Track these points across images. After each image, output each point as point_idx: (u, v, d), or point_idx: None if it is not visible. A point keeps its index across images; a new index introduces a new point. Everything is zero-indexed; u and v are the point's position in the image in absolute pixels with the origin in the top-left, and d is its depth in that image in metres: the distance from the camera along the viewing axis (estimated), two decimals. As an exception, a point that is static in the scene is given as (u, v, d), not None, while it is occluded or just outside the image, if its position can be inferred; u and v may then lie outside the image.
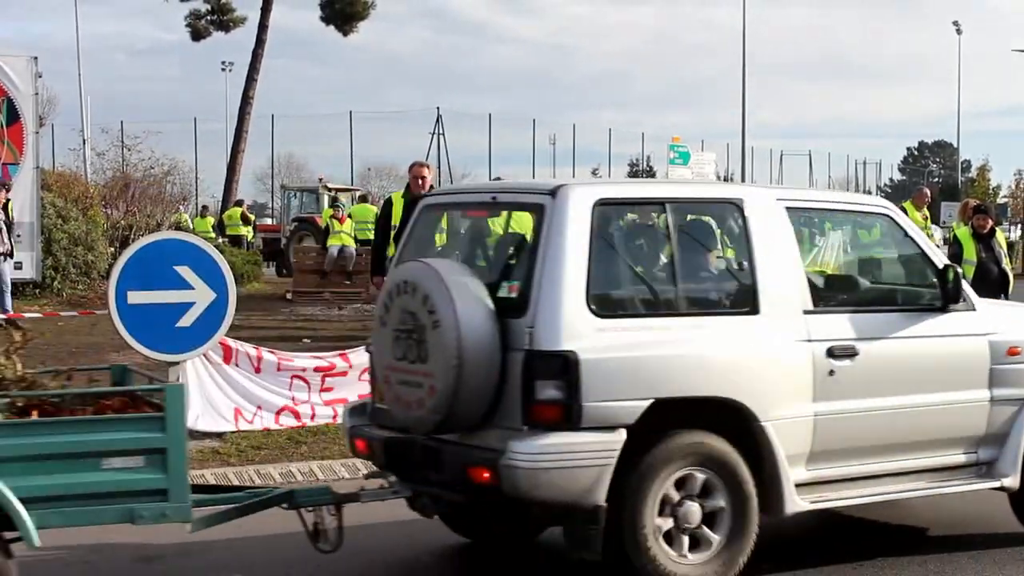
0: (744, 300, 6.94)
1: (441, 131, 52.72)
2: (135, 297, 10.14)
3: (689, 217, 7.24)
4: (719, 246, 7.36)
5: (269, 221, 48.02)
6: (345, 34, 48.58)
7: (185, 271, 10.23)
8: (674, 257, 6.83)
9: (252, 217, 39.96)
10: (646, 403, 6.44)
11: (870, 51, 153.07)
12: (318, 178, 41.04)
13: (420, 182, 12.90)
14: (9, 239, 19.11)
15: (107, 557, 7.66)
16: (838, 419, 7.06)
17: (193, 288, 10.24)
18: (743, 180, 54.94)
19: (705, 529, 6.73)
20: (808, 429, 6.97)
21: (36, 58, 21.58)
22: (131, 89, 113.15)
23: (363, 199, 33.86)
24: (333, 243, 26.16)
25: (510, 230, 7.55)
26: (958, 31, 71.38)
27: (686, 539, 6.69)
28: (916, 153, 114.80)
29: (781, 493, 6.84)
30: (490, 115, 58.16)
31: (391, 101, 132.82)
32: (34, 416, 6.10)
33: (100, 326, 17.75)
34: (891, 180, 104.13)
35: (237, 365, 10.79)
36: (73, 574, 7.42)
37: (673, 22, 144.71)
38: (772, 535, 8.16)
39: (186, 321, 10.22)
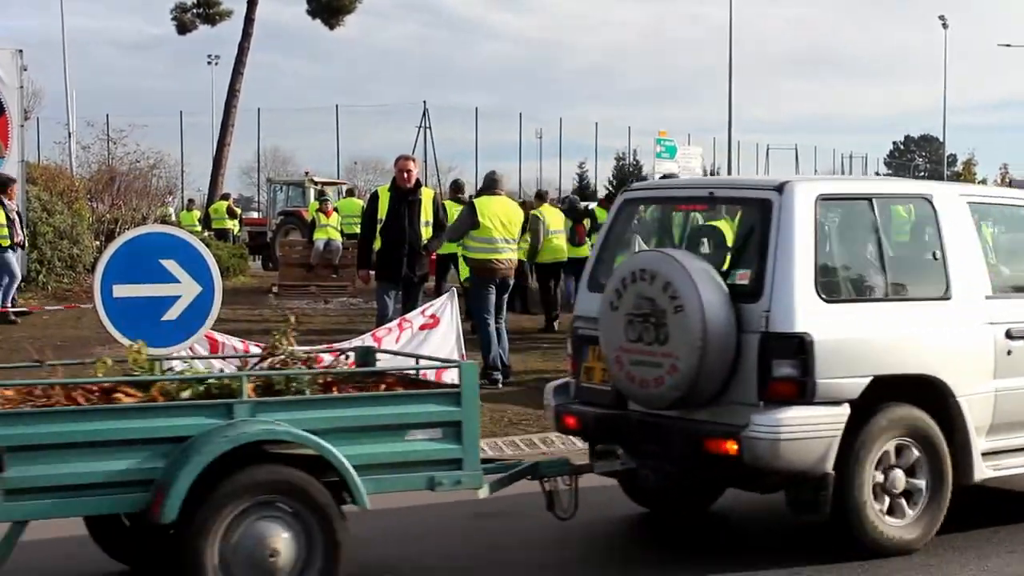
0: (939, 287, 7.69)
1: (428, 125, 52.58)
2: (121, 291, 10.13)
3: (891, 211, 7.97)
4: (916, 238, 8.16)
5: (255, 215, 47.93)
6: (331, 28, 48.57)
7: (171, 265, 10.22)
8: (882, 247, 7.59)
9: (238, 211, 39.90)
10: (867, 380, 7.16)
11: (856, 45, 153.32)
12: (304, 172, 40.99)
13: (406, 176, 12.90)
14: (22, 230, 19.16)
15: (91, 552, 7.63)
16: (1014, 394, 7.77)
17: (179, 281, 10.23)
18: (729, 175, 54.93)
19: (908, 496, 7.42)
20: (990, 403, 7.69)
21: (21, 51, 21.49)
22: (117, 82, 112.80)
23: (350, 193, 33.83)
24: (319, 237, 26.13)
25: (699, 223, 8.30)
26: (944, 25, 71.53)
27: (893, 503, 7.38)
28: (902, 147, 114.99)
29: (970, 462, 7.55)
30: (477, 109, 58.13)
31: (378, 95, 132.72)
32: (334, 392, 6.65)
33: (85, 319, 17.74)
34: (877, 174, 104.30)
35: (224, 359, 10.75)
36: (59, 569, 7.40)
37: (661, 18, 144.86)
38: (760, 529, 8.17)
39: (172, 314, 10.21)
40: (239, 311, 20.31)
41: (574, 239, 21.85)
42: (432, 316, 11.93)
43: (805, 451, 7.00)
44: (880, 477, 7.30)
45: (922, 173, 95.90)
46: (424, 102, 52.16)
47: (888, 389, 7.27)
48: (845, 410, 7.09)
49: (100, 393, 6.47)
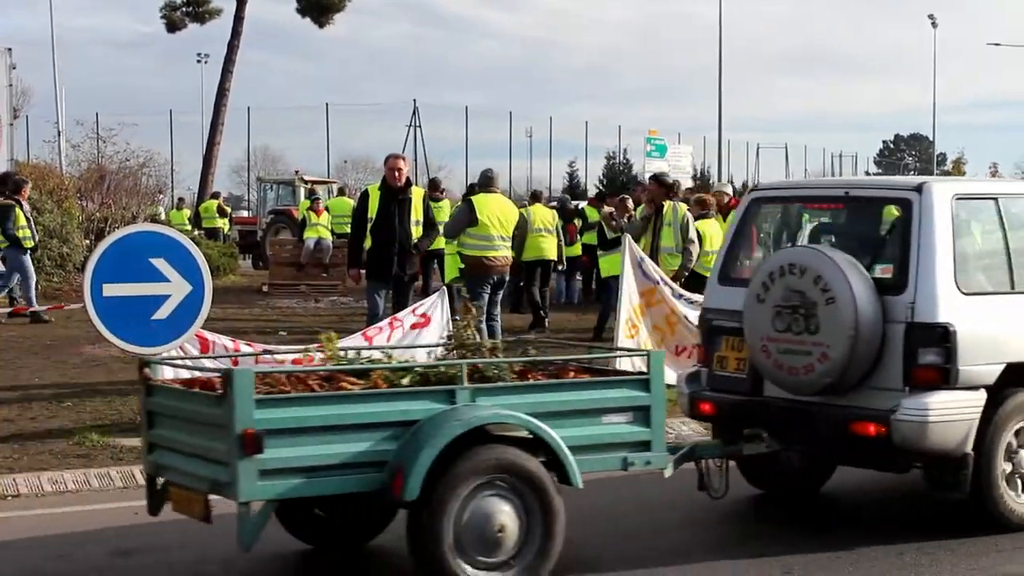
0: None
1: (417, 124, 52.65)
2: (111, 290, 10.13)
3: (1014, 209, 8.33)
4: None
5: (245, 213, 47.86)
6: (321, 26, 48.52)
7: (161, 263, 10.21)
8: (1008, 243, 8.05)
9: (228, 209, 39.84)
10: (1000, 367, 7.66)
11: (846, 44, 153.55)
12: (294, 171, 40.94)
13: (397, 174, 12.88)
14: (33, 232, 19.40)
15: (84, 551, 7.62)
16: None
17: (169, 280, 10.23)
18: (719, 173, 55.05)
19: None
20: None
21: (10, 50, 21.48)
22: (106, 81, 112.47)
23: (341, 192, 33.80)
24: (310, 235, 26.11)
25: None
26: (933, 24, 71.66)
27: (1020, 482, 7.85)
28: (892, 146, 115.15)
29: None
30: (467, 108, 58.23)
31: (368, 94, 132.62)
32: (531, 379, 7.06)
33: (75, 319, 17.73)
34: (867, 173, 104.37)
35: (215, 358, 10.73)
36: (50, 569, 7.37)
37: (653, 17, 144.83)
38: (752, 523, 8.20)
39: (162, 313, 10.21)
40: (229, 310, 20.29)
41: (565, 238, 21.84)
42: (423, 315, 11.91)
43: (949, 433, 7.49)
44: (1008, 457, 7.77)
45: (911, 172, 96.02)
46: (414, 101, 52.26)
47: (1016, 375, 7.73)
48: (982, 395, 7.58)
49: (321, 380, 6.78)
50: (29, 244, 18.92)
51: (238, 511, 6.16)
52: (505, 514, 6.47)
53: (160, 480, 6.95)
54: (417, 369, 6.87)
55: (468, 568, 6.40)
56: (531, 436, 6.55)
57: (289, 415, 6.21)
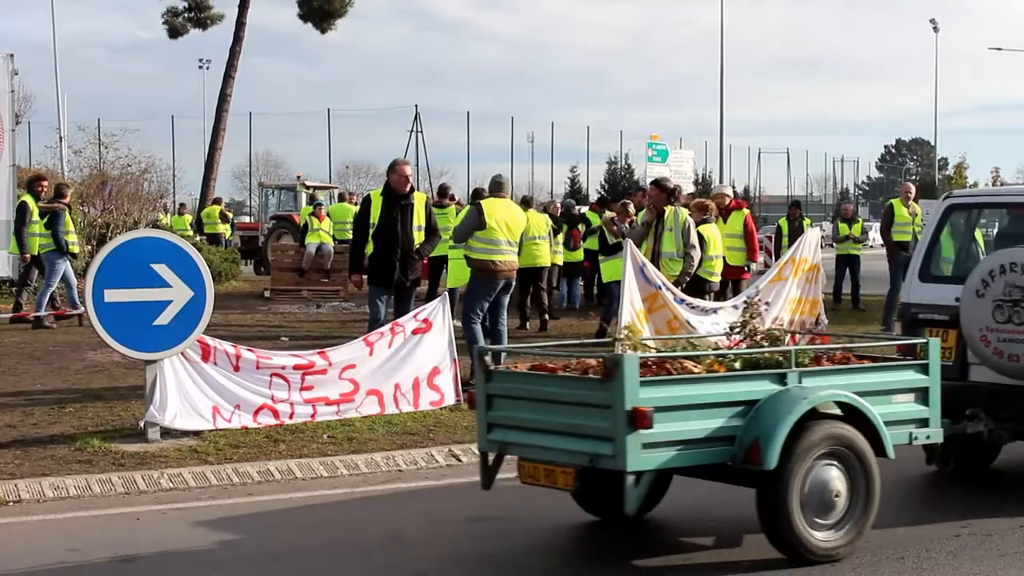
0: None
1: (419, 129, 52.75)
2: (112, 295, 10.16)
3: None
4: None
5: (247, 219, 47.89)
6: (323, 31, 48.46)
7: (162, 269, 10.24)
8: None
9: (231, 215, 39.84)
10: None
11: (848, 49, 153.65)
12: (296, 176, 40.99)
13: (405, 180, 12.89)
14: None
15: (85, 557, 7.62)
16: None
17: (171, 286, 10.26)
18: (721, 178, 55.05)
19: None
20: None
21: (12, 55, 21.48)
22: (108, 87, 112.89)
23: (341, 198, 33.82)
24: (311, 240, 26.10)
25: None
26: (935, 29, 71.76)
27: None
28: (894, 151, 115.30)
29: None
30: (468, 113, 58.39)
31: (369, 99, 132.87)
32: (824, 365, 7.72)
33: (77, 324, 17.74)
34: (869, 178, 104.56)
35: (216, 363, 10.74)
36: (52, 574, 7.37)
37: (652, 20, 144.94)
38: (751, 519, 8.18)
39: (164, 319, 10.25)
40: (231, 316, 20.29)
41: (569, 243, 21.82)
42: (424, 320, 11.93)
43: None
44: None
45: (913, 177, 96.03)
46: (415, 106, 52.34)
47: None
48: None
49: (661, 364, 7.36)
50: (75, 249, 19.37)
51: (625, 481, 6.82)
52: (838, 480, 7.29)
53: (491, 457, 7.68)
54: (744, 355, 7.60)
55: (811, 530, 7.19)
56: (843, 413, 7.34)
57: (667, 394, 6.95)
